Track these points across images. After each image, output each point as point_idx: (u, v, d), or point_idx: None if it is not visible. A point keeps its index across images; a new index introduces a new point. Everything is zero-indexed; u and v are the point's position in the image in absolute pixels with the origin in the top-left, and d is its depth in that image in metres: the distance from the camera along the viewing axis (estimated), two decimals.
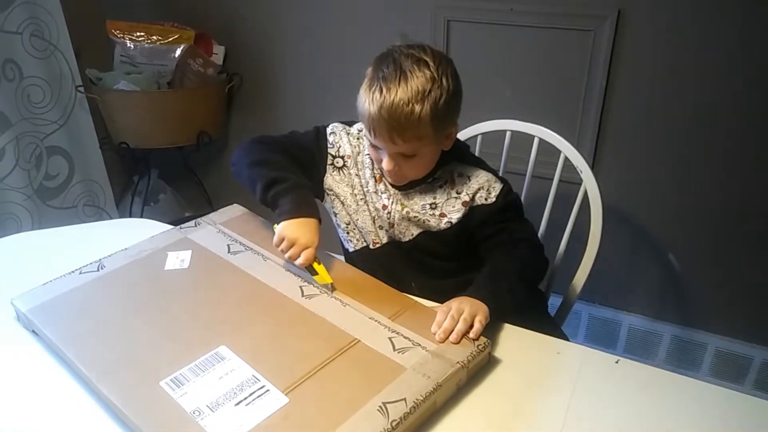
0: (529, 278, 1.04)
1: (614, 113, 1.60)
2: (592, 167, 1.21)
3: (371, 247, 1.10)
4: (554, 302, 1.29)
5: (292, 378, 0.75)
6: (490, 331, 0.91)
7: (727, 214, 1.58)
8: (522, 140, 1.29)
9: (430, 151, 0.99)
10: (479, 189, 1.03)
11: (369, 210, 1.09)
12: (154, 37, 2.00)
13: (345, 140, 1.10)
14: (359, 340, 0.82)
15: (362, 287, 0.94)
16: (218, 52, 2.07)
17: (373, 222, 1.09)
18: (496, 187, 1.03)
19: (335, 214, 1.13)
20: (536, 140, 1.27)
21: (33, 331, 0.90)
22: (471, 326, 0.84)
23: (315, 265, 0.94)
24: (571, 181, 1.26)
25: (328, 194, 1.12)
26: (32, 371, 0.84)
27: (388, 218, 1.07)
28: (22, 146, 1.88)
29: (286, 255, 0.95)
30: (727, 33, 1.40)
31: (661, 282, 1.75)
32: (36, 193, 1.95)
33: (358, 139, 1.11)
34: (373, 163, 1.07)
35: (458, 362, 0.79)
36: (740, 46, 1.40)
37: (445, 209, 1.04)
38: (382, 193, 1.07)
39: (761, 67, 1.40)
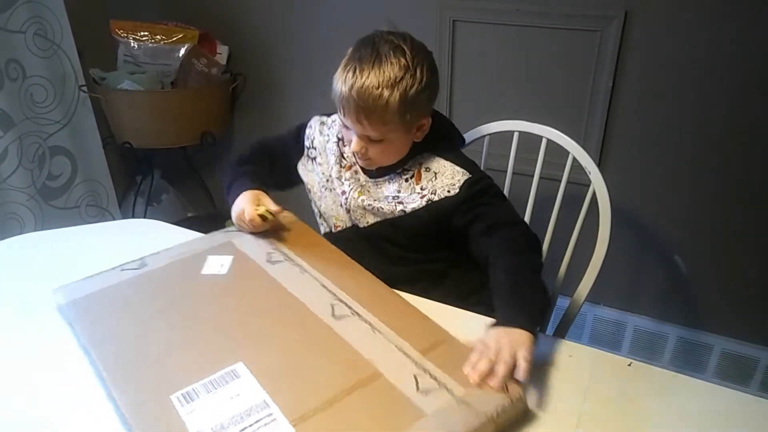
0: (538, 265, 0.98)
1: (620, 114, 1.59)
2: (598, 167, 1.21)
3: (333, 230, 1.15)
4: (562, 304, 1.29)
5: (303, 408, 0.71)
6: None
7: (734, 215, 1.58)
8: (530, 141, 1.28)
9: (397, 138, 1.00)
10: (441, 186, 1.03)
11: (331, 196, 1.12)
12: (158, 37, 2.00)
13: (317, 130, 1.15)
14: (381, 374, 0.76)
15: (399, 312, 0.88)
16: (222, 52, 2.06)
17: (337, 206, 1.12)
18: (461, 179, 1.02)
19: (311, 201, 1.18)
20: (544, 141, 1.27)
21: (70, 323, 0.90)
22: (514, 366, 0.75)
23: (262, 212, 1.01)
24: (579, 182, 1.26)
25: (304, 184, 1.18)
26: (63, 365, 0.84)
27: (345, 204, 1.09)
28: (25, 146, 1.87)
29: (251, 227, 1.04)
30: (734, 34, 1.40)
31: (666, 283, 1.74)
32: (39, 193, 1.95)
33: (329, 128, 1.14)
34: (340, 152, 1.10)
35: (486, 414, 0.70)
36: (748, 46, 1.40)
37: (405, 201, 1.05)
38: (345, 180, 1.09)
39: None
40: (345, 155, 1.11)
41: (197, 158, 2.27)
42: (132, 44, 2.00)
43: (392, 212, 1.05)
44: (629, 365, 0.84)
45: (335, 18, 1.87)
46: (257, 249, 1.02)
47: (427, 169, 1.05)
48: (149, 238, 1.20)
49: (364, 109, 0.94)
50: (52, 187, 2.00)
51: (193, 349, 0.81)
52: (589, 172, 1.21)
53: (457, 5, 1.66)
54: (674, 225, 1.67)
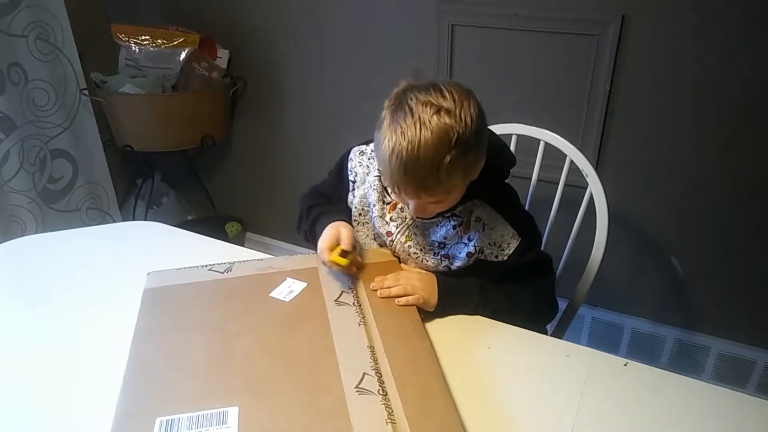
0: (517, 308, 0.99)
1: (618, 117, 1.61)
2: (596, 169, 1.22)
3: None
4: (559, 306, 1.29)
5: None
6: (499, 333, 0.92)
7: (731, 217, 1.59)
8: (527, 144, 1.30)
9: (459, 192, 0.93)
10: (490, 244, 0.98)
11: (364, 230, 1.10)
12: (159, 41, 2.01)
13: (357, 161, 1.09)
14: None
15: (430, 402, 0.76)
16: (222, 56, 2.07)
17: (370, 240, 1.10)
18: (512, 244, 0.98)
19: None
20: (542, 144, 1.28)
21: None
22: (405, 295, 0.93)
23: (336, 257, 0.95)
24: (576, 184, 1.27)
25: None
26: (65, 364, 0.86)
27: (391, 245, 1.06)
28: (27, 149, 1.88)
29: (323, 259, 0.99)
30: (730, 37, 1.41)
31: (664, 285, 1.76)
32: (40, 196, 1.96)
33: (369, 159, 1.08)
34: (383, 188, 1.04)
35: None
36: (743, 49, 1.41)
37: (451, 252, 1.00)
38: (391, 221, 1.04)
39: (764, 71, 1.41)
40: (388, 191, 1.04)
41: (197, 161, 2.28)
42: (133, 48, 2.02)
43: (436, 266, 1.01)
44: (625, 365, 0.86)
45: (335, 22, 1.88)
46: (334, 283, 0.98)
47: (478, 219, 0.98)
48: (151, 240, 1.22)
49: (423, 186, 0.86)
50: (53, 190, 2.01)
51: (208, 376, 0.79)
52: (587, 175, 1.22)
53: (456, 10, 1.67)
54: (671, 227, 1.68)
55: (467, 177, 0.91)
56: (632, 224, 1.71)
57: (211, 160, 2.32)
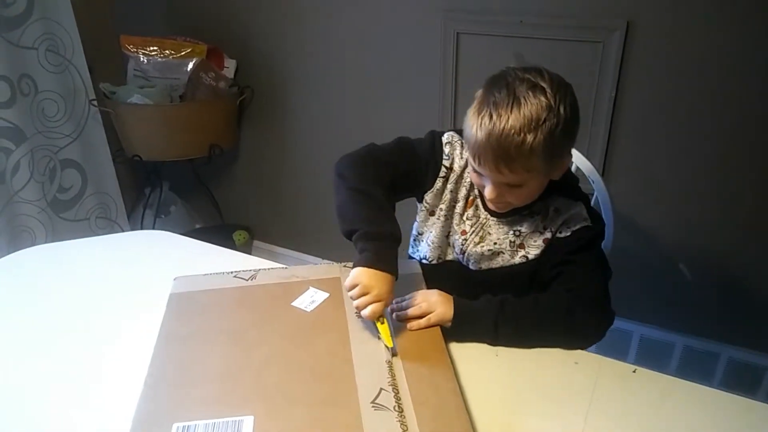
0: (535, 334, 0.93)
1: (623, 123, 1.61)
2: (602, 176, 1.22)
3: (434, 262, 1.07)
4: None
5: None
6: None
7: (739, 222, 1.59)
8: None
9: (537, 182, 0.92)
10: (562, 224, 0.96)
11: (447, 225, 1.05)
12: (167, 52, 2.03)
13: (458, 152, 1.03)
14: None
15: (447, 422, 0.74)
16: (230, 66, 2.09)
17: (445, 238, 1.06)
18: (580, 223, 0.96)
19: (416, 220, 1.10)
20: None
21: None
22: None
23: (379, 324, 0.86)
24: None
25: (421, 202, 1.07)
26: (73, 375, 0.86)
27: (462, 245, 1.03)
28: (37, 159, 1.90)
29: (355, 303, 0.87)
30: (736, 43, 1.42)
31: (672, 292, 1.75)
32: (49, 206, 1.98)
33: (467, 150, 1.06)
34: (471, 185, 1.02)
35: None
36: (749, 55, 1.41)
37: (527, 241, 0.99)
38: (468, 219, 1.03)
39: None
40: (473, 191, 1.03)
41: (205, 170, 2.30)
42: (141, 59, 2.04)
43: (511, 259, 1.00)
44: (634, 371, 0.86)
45: (340, 31, 1.90)
46: None
47: (557, 210, 0.98)
48: (160, 249, 1.23)
49: (504, 157, 0.85)
50: (63, 199, 2.03)
51: (225, 383, 0.80)
52: (592, 181, 1.22)
53: (461, 18, 1.68)
54: (678, 233, 1.68)
55: (549, 167, 0.89)
56: (639, 230, 1.71)
57: (219, 169, 2.33)
